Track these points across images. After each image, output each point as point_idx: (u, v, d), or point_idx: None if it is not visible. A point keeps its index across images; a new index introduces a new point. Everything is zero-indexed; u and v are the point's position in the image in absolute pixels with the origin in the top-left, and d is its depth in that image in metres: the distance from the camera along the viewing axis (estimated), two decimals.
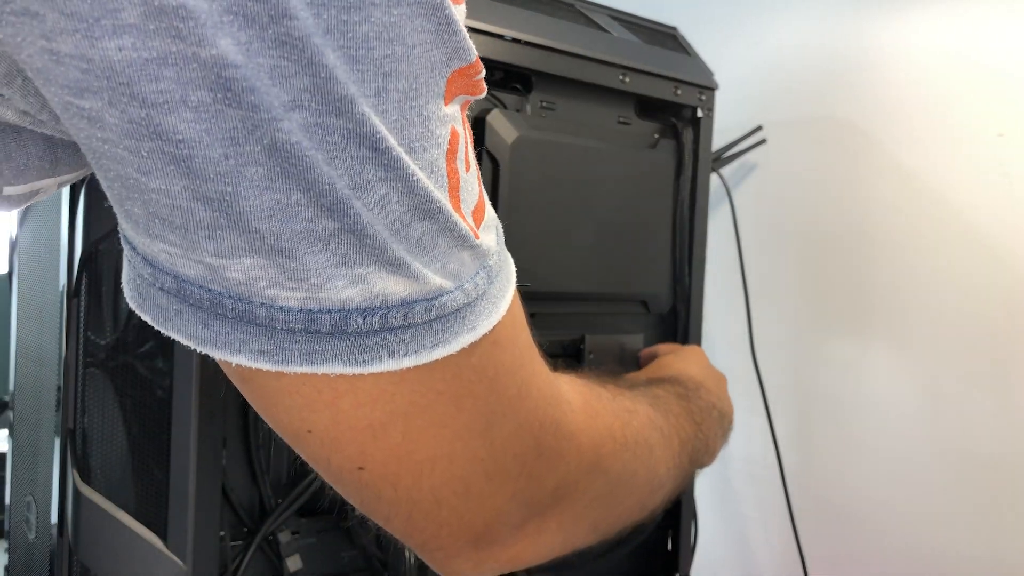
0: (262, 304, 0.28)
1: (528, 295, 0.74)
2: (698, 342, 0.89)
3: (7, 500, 0.80)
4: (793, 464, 1.06)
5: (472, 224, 0.32)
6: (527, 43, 0.71)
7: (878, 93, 1.00)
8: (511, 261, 0.37)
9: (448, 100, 0.30)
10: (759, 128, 1.09)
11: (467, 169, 0.32)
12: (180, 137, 0.25)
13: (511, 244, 0.71)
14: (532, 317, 0.76)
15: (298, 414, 0.32)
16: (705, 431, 0.61)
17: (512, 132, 0.71)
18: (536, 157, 0.73)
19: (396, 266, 0.29)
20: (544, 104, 0.76)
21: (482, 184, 0.35)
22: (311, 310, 0.28)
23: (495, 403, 0.35)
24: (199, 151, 0.26)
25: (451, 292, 0.31)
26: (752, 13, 1.14)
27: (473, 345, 0.33)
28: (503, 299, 0.35)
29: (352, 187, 0.27)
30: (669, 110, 0.86)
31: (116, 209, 0.29)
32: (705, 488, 1.15)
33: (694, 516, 0.91)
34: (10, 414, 0.79)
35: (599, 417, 0.44)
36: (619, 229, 0.81)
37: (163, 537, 0.58)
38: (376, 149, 0.27)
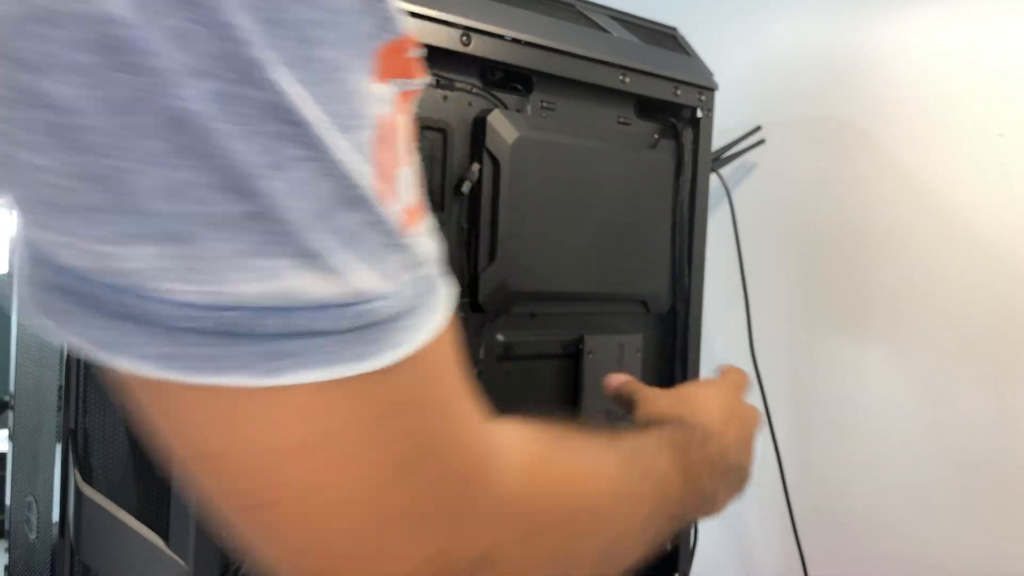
0: (160, 300, 0.24)
1: (528, 295, 0.75)
2: (697, 342, 0.89)
3: (8, 500, 0.80)
4: (793, 464, 1.06)
5: (406, 225, 0.28)
6: (527, 43, 0.72)
7: (877, 93, 1.00)
8: (448, 284, 0.33)
9: (379, 78, 0.27)
10: (758, 128, 1.09)
11: (402, 164, 0.29)
12: (62, 104, 0.23)
13: (511, 244, 0.71)
14: (532, 317, 0.77)
15: (194, 435, 0.28)
16: (704, 486, 0.56)
17: (512, 132, 0.71)
18: (536, 157, 0.73)
19: (317, 260, 0.26)
20: (544, 104, 0.76)
21: (422, 190, 0.31)
22: (216, 306, 0.25)
23: (423, 440, 0.31)
24: (85, 121, 0.23)
25: (385, 298, 0.27)
26: (752, 14, 1.14)
27: (406, 365, 0.29)
28: (435, 319, 0.30)
29: (266, 166, 0.24)
30: (669, 110, 0.86)
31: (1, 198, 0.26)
32: None
33: None
34: (11, 414, 0.79)
35: (546, 480, 0.39)
36: (619, 229, 0.81)
37: (165, 537, 0.58)
38: (295, 124, 0.24)
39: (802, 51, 1.08)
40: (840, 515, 1.05)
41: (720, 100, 0.89)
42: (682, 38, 0.91)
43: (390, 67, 0.28)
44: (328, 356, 0.26)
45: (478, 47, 0.68)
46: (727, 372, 0.74)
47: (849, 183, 1.03)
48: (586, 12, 0.82)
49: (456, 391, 0.33)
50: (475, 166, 0.70)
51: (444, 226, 0.70)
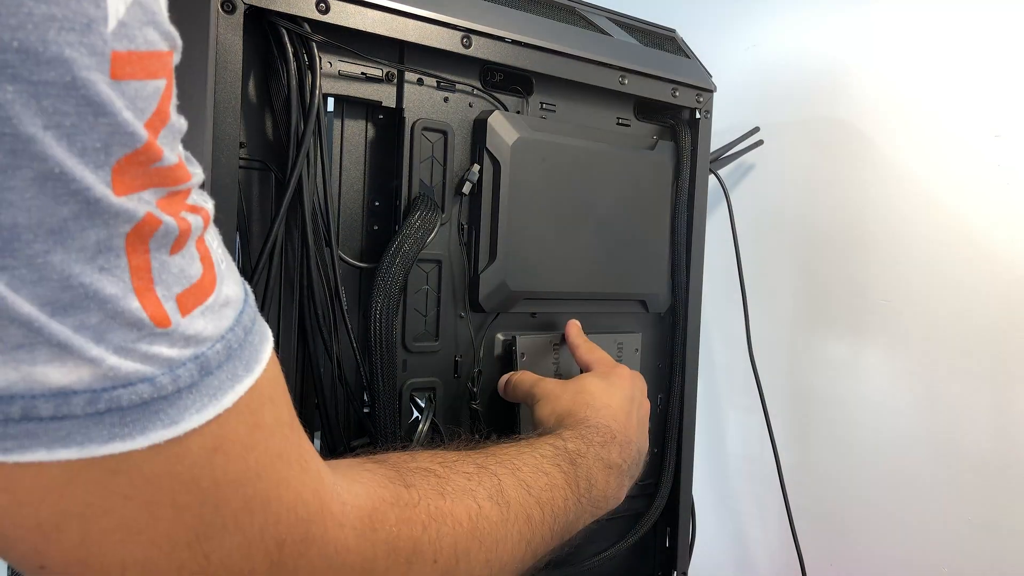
0: None
1: (528, 295, 0.76)
2: (696, 341, 0.89)
3: None
4: (790, 461, 1.07)
5: (169, 311, 0.29)
6: (528, 45, 0.72)
7: (875, 95, 1.01)
8: (264, 350, 0.34)
9: (123, 191, 0.27)
10: (756, 129, 1.10)
11: (174, 252, 0.30)
12: None
13: (511, 244, 0.72)
14: (533, 317, 0.78)
15: None
16: (600, 490, 0.58)
17: (513, 133, 0.72)
18: (536, 158, 0.74)
19: (63, 350, 0.27)
20: (544, 106, 0.77)
21: (217, 265, 0.32)
22: None
23: (211, 516, 0.31)
24: None
25: (134, 384, 0.28)
26: (750, 16, 1.15)
27: (180, 449, 0.30)
28: (227, 394, 0.31)
29: None
30: (668, 112, 0.87)
31: None
32: (703, 486, 1.16)
33: (692, 513, 0.92)
34: None
35: (388, 527, 0.39)
36: (618, 229, 0.81)
37: None
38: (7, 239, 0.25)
39: (800, 53, 1.09)
40: (837, 513, 1.05)
41: (718, 101, 0.89)
42: (681, 40, 0.91)
43: (138, 180, 0.28)
44: (77, 437, 0.27)
45: (479, 49, 0.69)
46: (595, 350, 0.75)
47: (847, 184, 1.04)
48: (585, 14, 0.83)
49: (276, 451, 0.34)
50: (475, 167, 0.71)
51: (444, 226, 0.70)
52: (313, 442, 0.66)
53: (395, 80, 0.67)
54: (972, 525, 0.93)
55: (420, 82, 0.68)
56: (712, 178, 0.98)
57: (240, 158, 0.59)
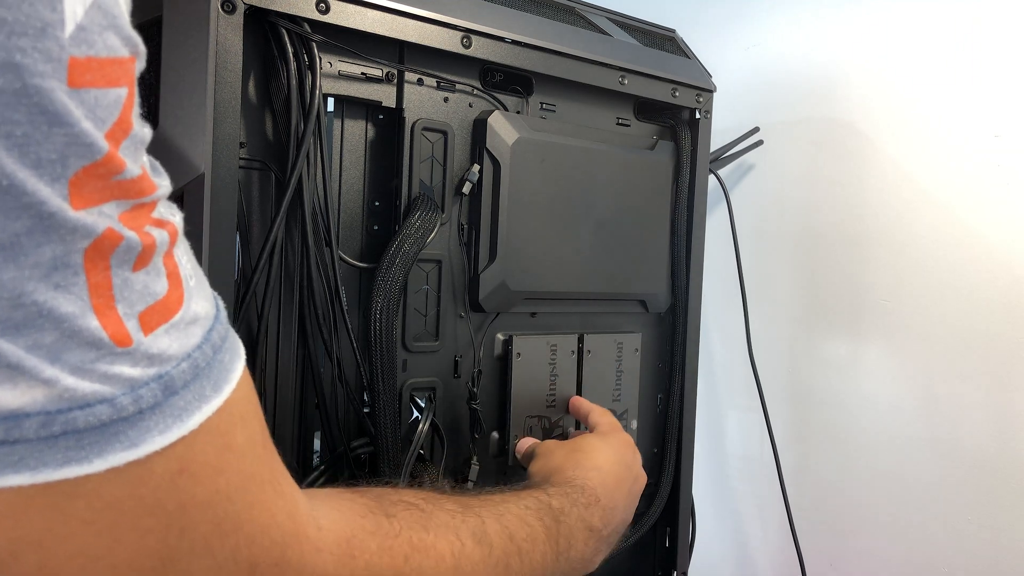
0: None
1: (528, 295, 0.76)
2: (696, 341, 0.89)
3: None
4: (790, 461, 1.07)
5: (131, 330, 0.28)
6: (528, 46, 0.72)
7: (874, 95, 1.01)
8: (235, 368, 0.33)
9: (81, 205, 0.26)
10: (756, 129, 1.10)
11: (137, 268, 0.29)
12: None
13: (511, 244, 0.72)
14: (532, 317, 0.78)
15: None
16: (578, 551, 0.56)
17: (513, 133, 0.72)
18: (536, 158, 0.74)
19: (14, 371, 0.26)
20: (544, 106, 0.77)
21: (185, 281, 0.31)
22: None
23: (177, 540, 0.30)
24: None
25: (92, 406, 0.27)
26: (750, 16, 1.15)
27: (142, 471, 0.29)
28: (193, 415, 0.30)
29: None
30: (667, 112, 0.87)
31: None
32: (703, 485, 1.16)
33: (692, 513, 0.92)
34: None
35: (363, 559, 0.38)
36: (618, 229, 0.81)
37: None
38: None
39: (799, 53, 1.09)
40: (837, 512, 1.05)
41: (718, 101, 0.89)
42: (681, 40, 0.91)
43: (98, 192, 0.27)
44: (30, 461, 0.26)
45: (479, 49, 0.69)
46: (605, 413, 0.74)
47: (846, 184, 1.04)
48: (586, 14, 0.83)
49: (248, 473, 0.33)
50: (475, 167, 0.71)
51: (444, 226, 0.70)
52: (313, 442, 0.67)
53: (395, 80, 0.67)
54: (972, 525, 0.93)
55: (420, 82, 0.68)
56: (712, 178, 0.98)
57: (240, 158, 0.59)
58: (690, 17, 1.16)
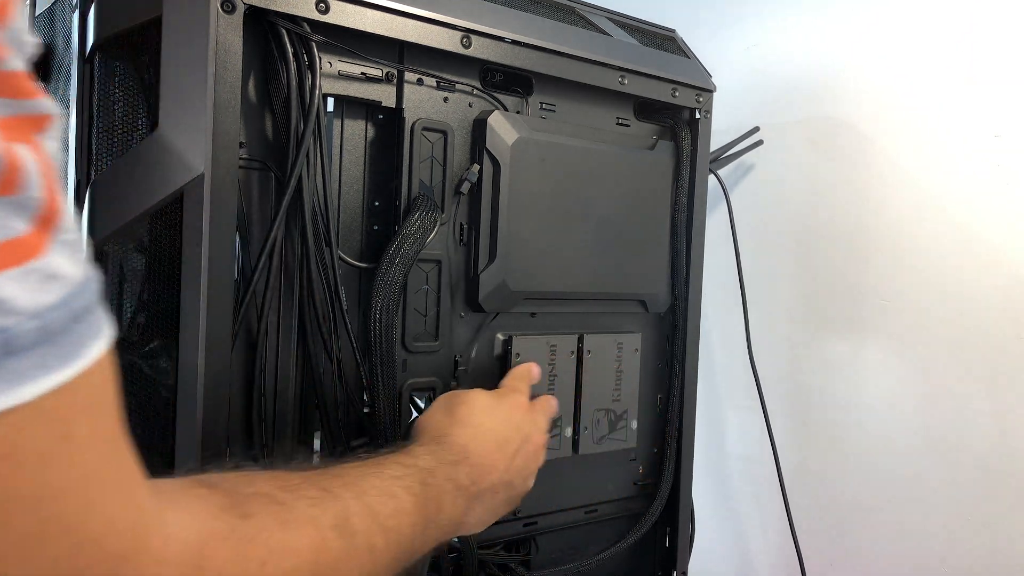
0: None
1: (528, 295, 0.76)
2: (696, 341, 0.89)
3: None
4: (790, 461, 1.07)
5: None
6: (527, 45, 0.72)
7: (874, 95, 1.01)
8: (92, 346, 0.28)
9: None
10: (756, 129, 1.10)
11: (2, 193, 0.25)
12: None
13: (511, 244, 0.72)
14: (532, 317, 0.78)
15: None
16: (448, 511, 0.54)
17: (512, 133, 0.72)
18: (536, 158, 0.74)
19: None
20: (544, 106, 0.77)
21: (56, 231, 0.27)
22: None
23: (34, 520, 0.27)
24: None
25: None
26: (750, 16, 1.15)
27: None
28: (27, 384, 0.26)
29: None
30: (667, 112, 0.87)
31: None
32: (703, 485, 1.16)
33: (692, 513, 0.92)
34: None
35: (216, 565, 0.35)
36: (618, 229, 0.81)
37: None
38: None
39: (800, 53, 1.09)
40: (836, 512, 1.05)
41: (718, 101, 0.89)
42: (681, 40, 0.91)
43: None
44: None
45: (478, 49, 0.69)
46: (517, 377, 0.70)
47: (846, 184, 1.04)
48: (585, 14, 0.83)
49: (88, 469, 0.29)
50: (475, 167, 0.71)
51: (444, 226, 0.70)
52: (313, 442, 0.66)
53: (395, 80, 0.67)
54: (972, 525, 0.93)
55: (420, 82, 0.68)
56: (712, 178, 0.98)
57: (240, 158, 0.59)
58: (690, 17, 1.16)
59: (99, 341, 0.29)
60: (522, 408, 0.67)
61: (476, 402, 0.63)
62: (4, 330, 0.25)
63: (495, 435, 0.61)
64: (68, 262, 0.27)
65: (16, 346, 0.25)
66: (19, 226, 0.25)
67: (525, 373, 0.72)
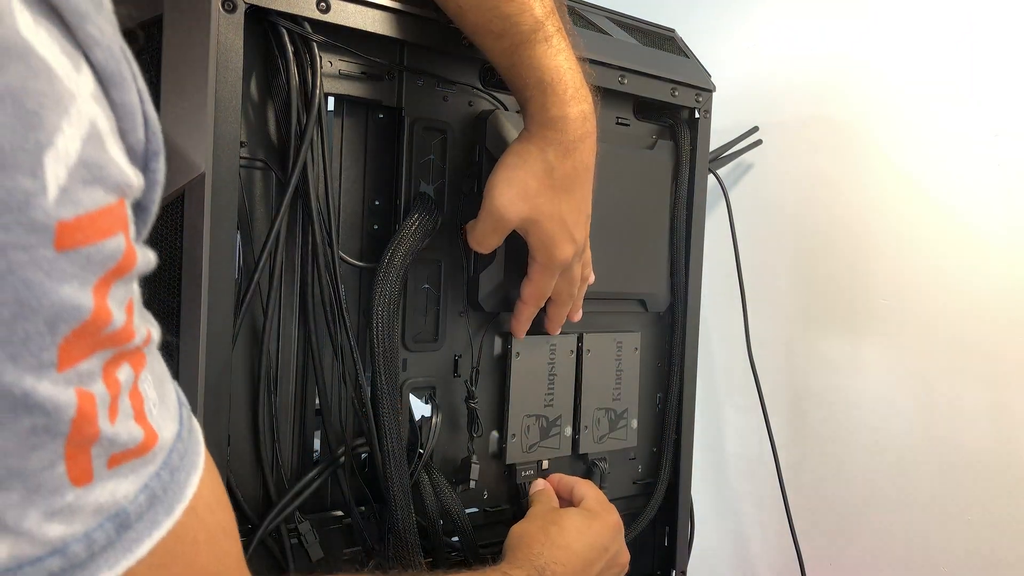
0: None
1: None
2: (695, 341, 0.89)
3: None
4: (789, 461, 1.07)
5: (96, 469, 0.27)
6: None
7: (874, 94, 1.01)
8: (190, 483, 0.31)
9: (67, 365, 0.25)
10: (755, 129, 1.10)
11: (115, 419, 0.27)
12: None
13: (511, 244, 0.72)
14: None
15: None
16: None
17: (512, 133, 0.72)
18: None
19: None
20: None
21: (149, 414, 0.29)
22: None
23: None
24: None
25: (43, 560, 0.25)
26: (750, 16, 1.15)
27: None
28: (144, 544, 0.28)
29: None
30: (667, 111, 0.87)
31: None
32: (702, 485, 1.16)
33: (691, 513, 0.92)
34: None
35: None
36: (617, 229, 0.81)
37: None
38: None
39: (799, 52, 1.09)
40: (836, 511, 1.05)
41: (718, 101, 0.89)
42: (680, 40, 0.92)
43: (86, 348, 0.26)
44: None
45: (478, 48, 0.69)
46: (606, 509, 0.73)
47: (846, 183, 1.04)
48: (585, 13, 0.83)
49: None
50: (475, 166, 0.71)
51: (444, 226, 0.70)
52: (313, 442, 0.67)
53: (395, 79, 0.67)
54: (972, 525, 0.93)
55: (420, 81, 0.68)
56: (711, 178, 0.98)
57: (240, 157, 0.59)
58: (690, 17, 1.16)
59: (196, 473, 0.31)
60: (611, 528, 0.71)
61: (569, 520, 0.68)
62: (119, 513, 0.27)
63: (583, 559, 0.66)
64: (167, 425, 0.30)
65: (130, 521, 0.28)
66: (136, 434, 0.28)
67: (590, 482, 0.77)
